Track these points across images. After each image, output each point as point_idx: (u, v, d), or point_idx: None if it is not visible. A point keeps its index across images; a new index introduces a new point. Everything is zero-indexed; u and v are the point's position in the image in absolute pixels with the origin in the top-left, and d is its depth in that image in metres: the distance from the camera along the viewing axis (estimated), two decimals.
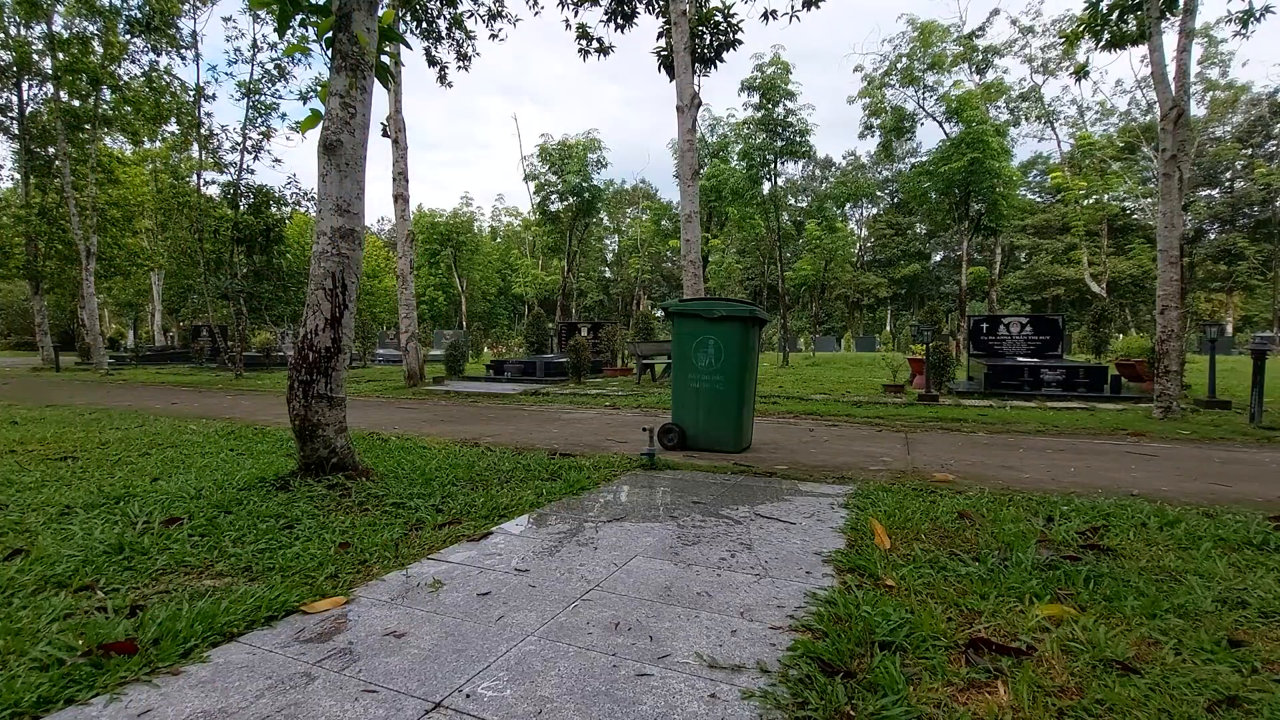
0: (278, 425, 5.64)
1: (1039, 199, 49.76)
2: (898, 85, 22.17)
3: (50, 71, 14.38)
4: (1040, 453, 4.76)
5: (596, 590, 1.91)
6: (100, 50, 14.26)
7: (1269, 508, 2.99)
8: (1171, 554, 2.28)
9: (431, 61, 11.63)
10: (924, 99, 21.86)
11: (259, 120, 13.52)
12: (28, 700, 1.27)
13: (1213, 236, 47.92)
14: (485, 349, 26.95)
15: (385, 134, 11.06)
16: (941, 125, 21.52)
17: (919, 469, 4.02)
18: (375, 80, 3.32)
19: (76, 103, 14.83)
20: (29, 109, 15.38)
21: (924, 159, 22.48)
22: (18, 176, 16.10)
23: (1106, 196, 28.26)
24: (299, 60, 13.75)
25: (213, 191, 16.69)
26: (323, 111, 3.04)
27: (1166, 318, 6.92)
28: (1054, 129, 29.70)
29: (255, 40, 13.53)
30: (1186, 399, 7.14)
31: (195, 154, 15.43)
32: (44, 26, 14.34)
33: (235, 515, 2.59)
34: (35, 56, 14.71)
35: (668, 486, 3.35)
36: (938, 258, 61.30)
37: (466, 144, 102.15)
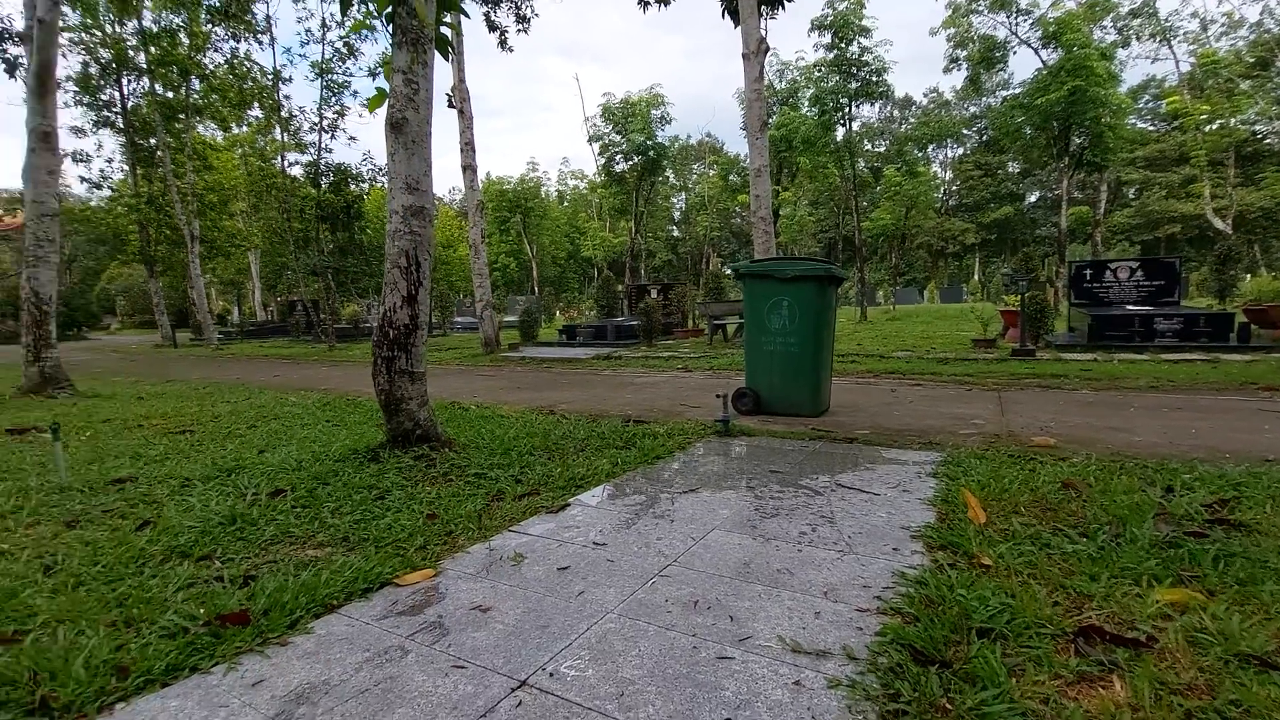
0: (368, 396, 5.95)
1: (1152, 127, 44.91)
2: (986, 11, 20.30)
3: (145, 65, 15.34)
4: (1154, 412, 4.36)
5: (675, 566, 1.90)
6: (186, 41, 15.05)
7: None
8: None
9: (491, 26, 11.59)
10: (1016, 24, 19.95)
11: (333, 99, 13.99)
12: (159, 668, 1.40)
13: None
14: (557, 313, 27.43)
15: (450, 105, 11.18)
16: (1037, 53, 19.61)
17: (1015, 433, 3.77)
18: (436, 52, 3.30)
19: (170, 94, 15.80)
20: (130, 103, 16.53)
21: (1017, 91, 20.60)
22: (126, 168, 17.44)
23: (1234, 120, 25.09)
24: (366, 36, 14.06)
25: (296, 172, 17.56)
26: (387, 89, 3.06)
27: None
28: (1171, 47, 26.50)
29: (324, 19, 13.91)
30: None
31: (278, 136, 16.22)
32: (135, 23, 15.26)
33: (332, 486, 2.74)
34: (130, 52, 15.71)
35: (743, 454, 3.29)
36: (1033, 198, 56.83)
37: (529, 108, 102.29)
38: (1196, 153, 25.34)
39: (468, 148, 11.24)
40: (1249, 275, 9.43)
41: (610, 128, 25.49)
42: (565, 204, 57.42)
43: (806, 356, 4.37)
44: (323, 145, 14.16)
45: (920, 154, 35.53)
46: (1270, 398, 5.01)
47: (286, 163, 15.73)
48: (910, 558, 1.89)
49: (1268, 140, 33.24)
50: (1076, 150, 19.79)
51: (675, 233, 71.42)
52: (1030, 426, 3.96)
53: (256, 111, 16.97)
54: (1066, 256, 22.98)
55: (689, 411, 4.80)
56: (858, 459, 3.15)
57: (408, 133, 3.01)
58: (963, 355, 8.49)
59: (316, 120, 13.88)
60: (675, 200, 63.79)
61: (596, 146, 27.35)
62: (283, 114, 14.56)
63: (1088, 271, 10.93)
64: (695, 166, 60.50)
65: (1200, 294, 12.24)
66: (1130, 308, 9.55)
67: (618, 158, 26.74)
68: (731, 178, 31.83)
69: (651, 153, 26.02)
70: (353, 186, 14.29)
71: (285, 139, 15.07)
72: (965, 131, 52.38)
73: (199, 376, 9.05)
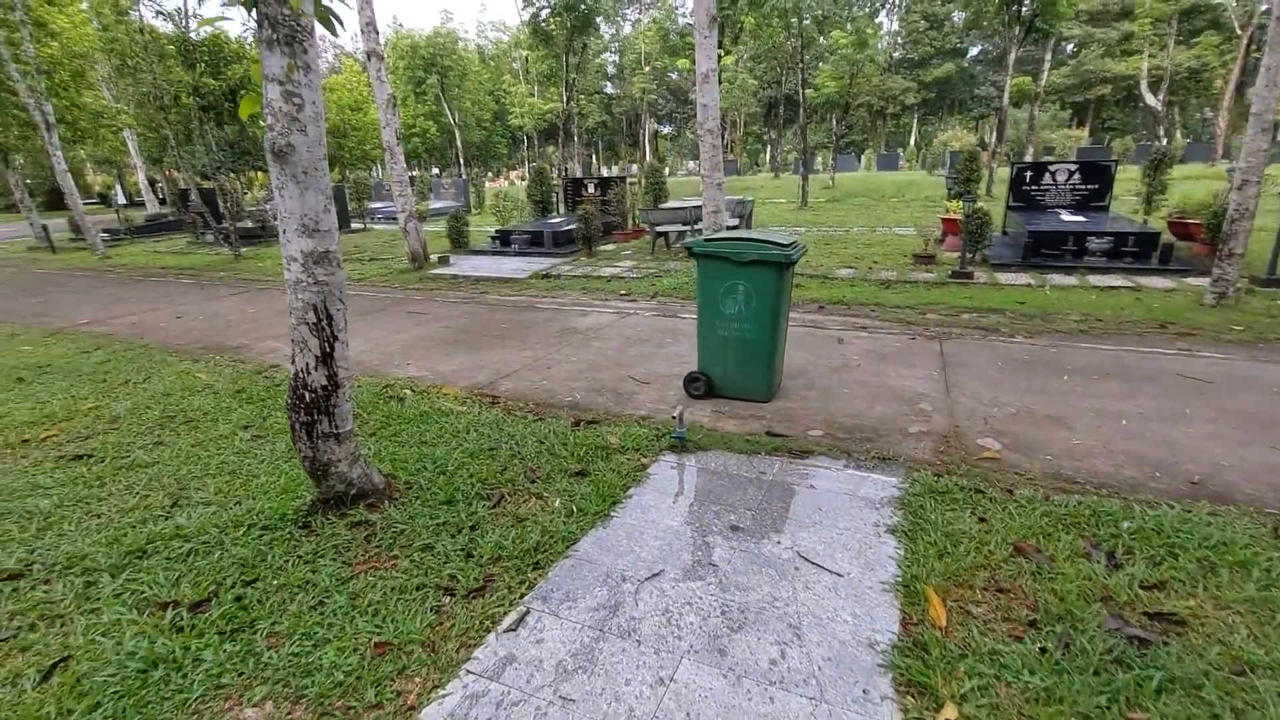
0: (287, 365, 5.47)
1: None
2: None
3: None
4: (1086, 385, 4.50)
5: None
6: None
7: None
8: (1245, 627, 2.16)
9: None
10: None
11: None
12: None
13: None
14: (486, 188, 25.64)
15: None
16: None
17: (961, 431, 3.82)
18: (322, 29, 2.61)
19: None
20: None
21: None
22: None
23: None
24: None
25: (164, 29, 14.82)
26: (263, 99, 2.42)
27: (1244, 194, 6.20)
28: None
29: None
30: (1242, 274, 6.63)
31: None
32: None
33: (263, 586, 2.51)
34: None
35: (701, 491, 3.21)
36: (974, 51, 55.29)
37: None
38: (1142, 13, 24.73)
39: (369, 29, 9.65)
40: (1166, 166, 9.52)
41: None
42: (489, 61, 51.95)
43: (763, 343, 4.21)
44: (188, 11, 11.82)
45: (868, 8, 33.28)
46: (1188, 352, 5.27)
47: (146, 12, 13.09)
48: (880, 706, 1.90)
49: None
50: (1028, 16, 18.96)
51: (609, 89, 66.66)
52: (974, 416, 4.03)
53: None
54: (1007, 126, 22.82)
55: (638, 396, 4.64)
56: (815, 494, 3.12)
57: (295, 162, 2.44)
58: (905, 275, 8.51)
59: None
60: (609, 55, 58.81)
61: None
62: None
63: (1028, 174, 10.90)
64: (629, 13, 55.21)
65: (1125, 194, 12.47)
66: (1065, 217, 9.68)
67: (544, 12, 23.94)
68: (671, 38, 29.22)
69: (583, 6, 23.37)
70: (238, 66, 12.20)
71: None
72: None
73: (87, 321, 8.10)
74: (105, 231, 16.62)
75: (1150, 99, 24.32)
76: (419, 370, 5.38)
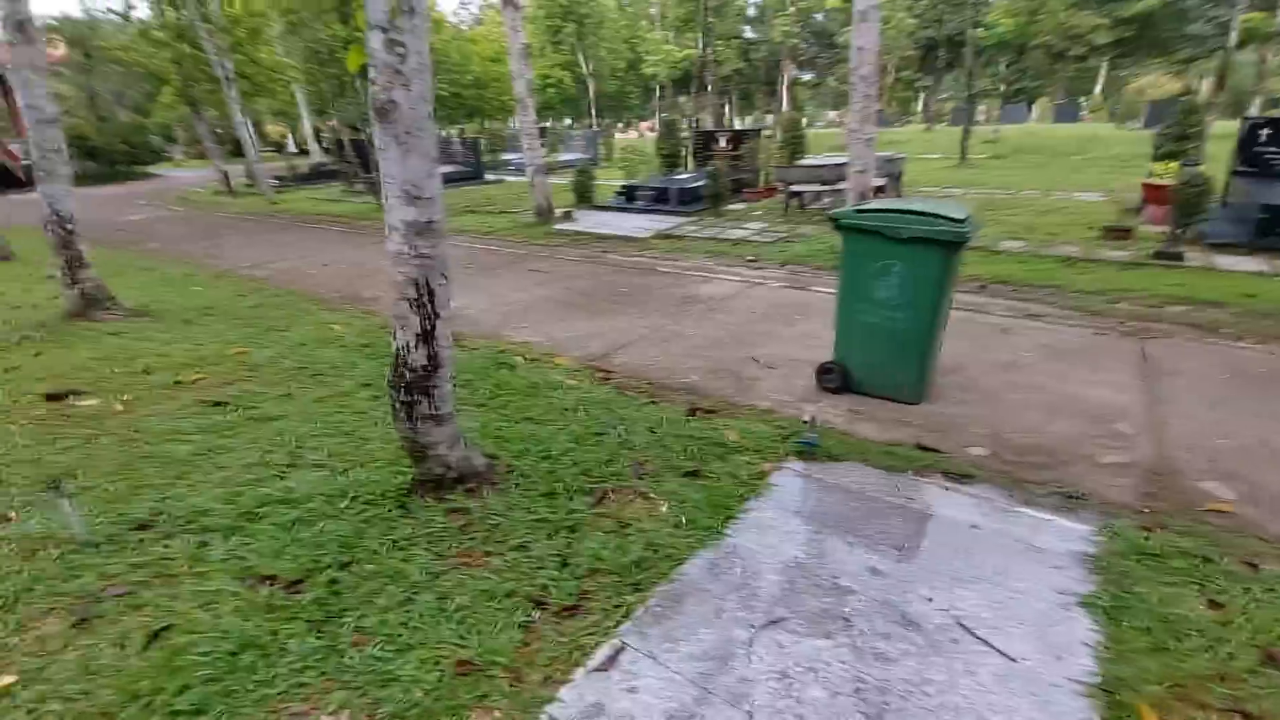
0: None
1: None
2: None
3: None
4: None
5: None
6: None
7: None
8: None
9: None
10: None
11: None
12: None
13: None
14: (615, 142, 25.38)
15: None
16: None
17: (1174, 466, 3.02)
18: None
19: None
20: None
21: None
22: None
23: None
24: None
25: None
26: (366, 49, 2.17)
27: None
28: None
29: None
30: None
31: None
32: None
33: (356, 571, 2.41)
34: None
35: (832, 517, 2.74)
36: None
37: None
38: None
39: None
40: None
41: None
42: (626, 7, 50.95)
43: (918, 336, 3.57)
44: None
45: None
46: None
47: None
48: None
49: None
50: None
51: (749, 33, 63.57)
52: (1192, 448, 3.18)
53: None
54: (1229, 78, 18.85)
55: (761, 383, 4.17)
56: (978, 536, 2.55)
57: (397, 120, 2.18)
58: (1091, 251, 7.19)
59: None
60: None
61: None
62: None
63: (1264, 131, 8.78)
64: None
65: None
66: None
67: None
68: None
69: None
70: None
71: None
72: None
73: (249, 265, 8.81)
74: (275, 178, 18.24)
75: None
76: (535, 334, 5.23)
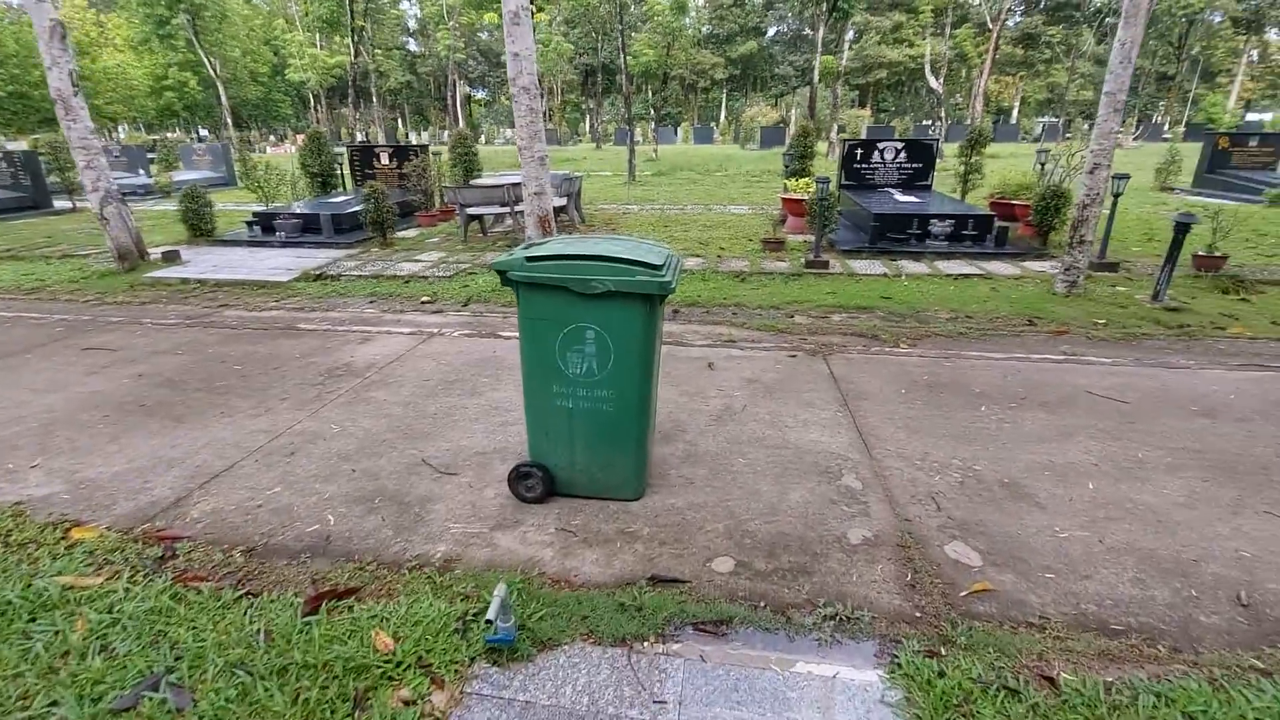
0: None
1: None
2: None
3: None
4: (1010, 418, 3.63)
5: None
6: None
7: None
8: None
9: None
10: None
11: None
12: None
13: (1015, 20, 49.86)
14: (265, 153, 21.15)
15: None
16: None
17: (915, 531, 2.67)
18: None
19: None
20: None
21: None
22: None
23: None
24: None
25: None
26: None
27: (1095, 178, 5.90)
28: None
29: None
30: None
31: None
32: None
33: None
34: None
35: None
36: (772, 31, 58.08)
37: None
38: (924, 6, 26.79)
39: None
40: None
41: None
42: (258, 4, 44.03)
43: (627, 417, 2.71)
44: None
45: None
46: (1072, 353, 4.76)
47: None
48: None
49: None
50: None
51: (412, 46, 60.82)
52: (919, 496, 2.92)
53: None
54: (817, 104, 23.48)
55: (435, 508, 2.93)
56: None
57: None
58: (758, 265, 7.56)
59: None
60: (407, 5, 53.19)
61: None
62: None
63: (858, 151, 10.56)
64: None
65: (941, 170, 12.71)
66: (899, 198, 9.39)
67: None
68: None
69: None
70: None
71: None
72: None
73: None
74: None
75: (933, 81, 26.58)
76: (48, 479, 3.13)
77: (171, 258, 8.17)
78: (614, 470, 2.82)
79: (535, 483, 2.84)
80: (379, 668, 1.95)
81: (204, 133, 46.85)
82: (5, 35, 28.61)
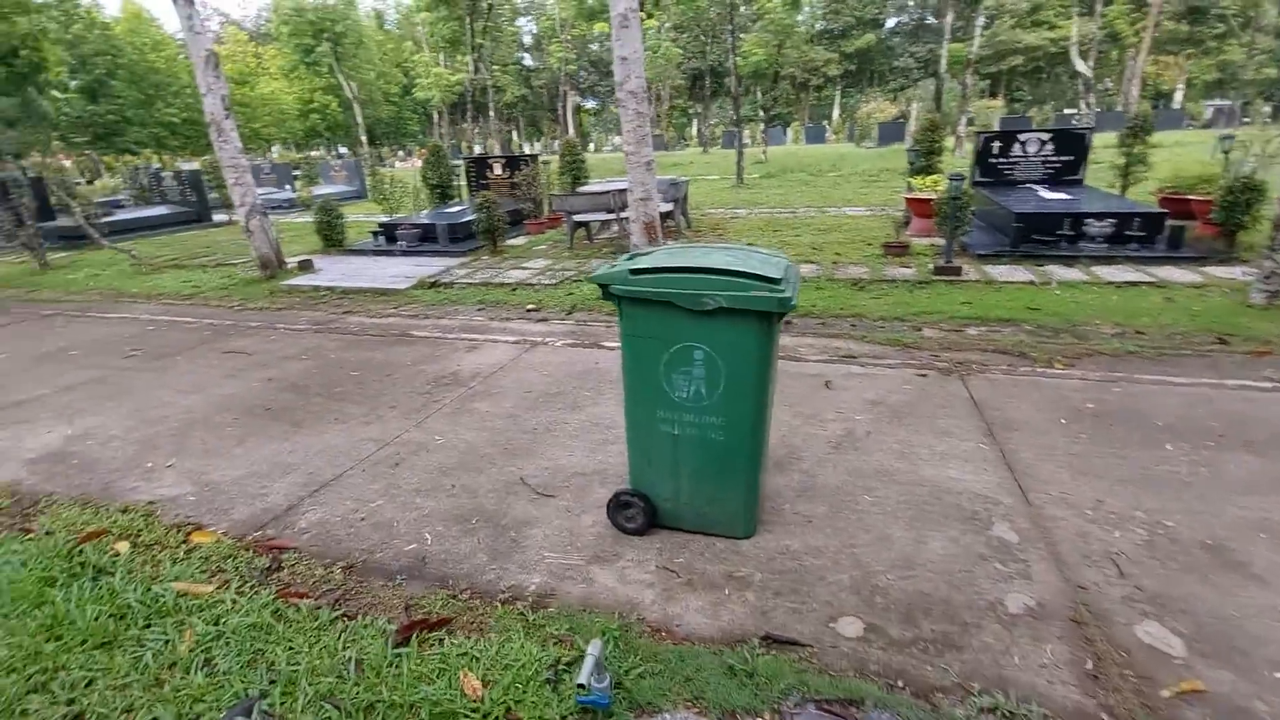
0: None
1: None
2: None
3: None
4: (1206, 460, 2.97)
5: None
6: None
7: None
8: None
9: None
10: None
11: None
12: None
13: None
14: (394, 167, 22.75)
15: None
16: None
17: (1093, 604, 2.18)
18: None
19: None
20: None
21: None
22: None
23: None
24: None
25: None
26: None
27: None
28: None
29: None
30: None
31: None
32: None
33: None
34: None
35: None
36: (891, 23, 55.25)
37: None
38: None
39: None
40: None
41: None
42: (391, 28, 47.68)
43: (740, 447, 2.43)
44: None
45: None
46: (1279, 381, 3.90)
47: None
48: None
49: None
50: None
51: (527, 61, 63.42)
52: (1093, 556, 2.40)
53: None
54: (944, 97, 21.89)
55: (532, 533, 2.79)
56: None
57: None
58: (879, 272, 6.97)
59: None
60: (523, 22, 55.49)
61: None
62: None
63: (995, 144, 9.57)
64: None
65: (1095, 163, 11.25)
66: (1045, 195, 8.39)
67: None
68: (589, 1, 26.89)
69: None
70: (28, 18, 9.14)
71: None
72: None
73: None
74: None
75: (1080, 65, 24.01)
76: (179, 481, 3.31)
77: (306, 266, 8.80)
78: (723, 505, 2.54)
79: (636, 513, 2.62)
80: (466, 716, 1.80)
81: (343, 150, 51.36)
82: (180, 69, 32.73)
